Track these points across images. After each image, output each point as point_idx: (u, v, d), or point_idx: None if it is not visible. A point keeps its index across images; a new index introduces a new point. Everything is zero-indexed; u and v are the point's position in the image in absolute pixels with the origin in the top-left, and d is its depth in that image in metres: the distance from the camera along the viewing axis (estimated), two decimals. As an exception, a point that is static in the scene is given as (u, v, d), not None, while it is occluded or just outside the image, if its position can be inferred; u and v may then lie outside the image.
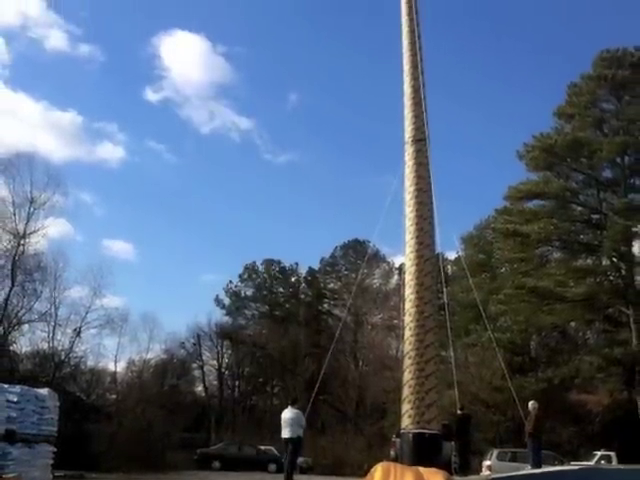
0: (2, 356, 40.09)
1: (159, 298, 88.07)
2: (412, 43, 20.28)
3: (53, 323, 42.91)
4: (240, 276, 71.62)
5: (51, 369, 41.64)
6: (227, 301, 70.68)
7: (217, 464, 40.28)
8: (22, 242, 42.00)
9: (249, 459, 40.46)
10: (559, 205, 42.47)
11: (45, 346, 43.24)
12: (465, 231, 49.78)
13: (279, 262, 72.54)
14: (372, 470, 8.97)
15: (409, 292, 17.92)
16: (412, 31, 20.37)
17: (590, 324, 45.26)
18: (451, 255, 52.43)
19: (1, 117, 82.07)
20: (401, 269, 47.53)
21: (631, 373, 38.13)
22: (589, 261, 42.87)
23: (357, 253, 67.48)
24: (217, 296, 69.99)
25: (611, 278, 41.77)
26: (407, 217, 18.57)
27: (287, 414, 17.23)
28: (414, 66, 19.99)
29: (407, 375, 17.00)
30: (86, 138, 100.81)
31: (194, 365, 64.36)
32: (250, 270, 71.83)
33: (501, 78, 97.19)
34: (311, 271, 72.64)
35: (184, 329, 63.66)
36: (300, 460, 27.76)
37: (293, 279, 74.10)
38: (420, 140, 19.16)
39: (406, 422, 16.66)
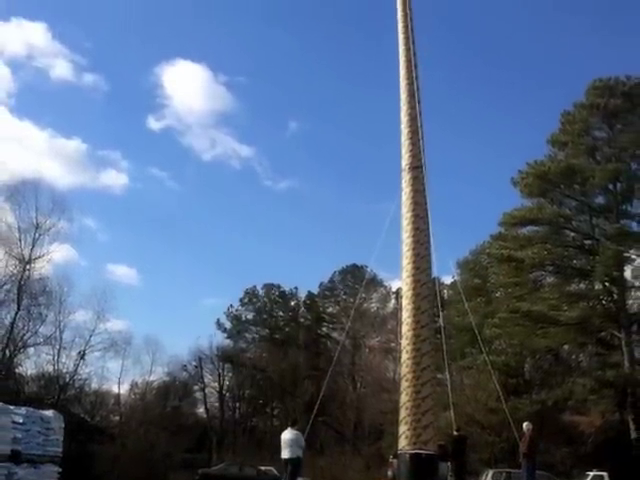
0: (8, 378, 40.75)
1: (161, 321, 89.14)
2: (409, 72, 21.32)
3: (58, 346, 43.84)
4: (241, 300, 72.52)
5: (56, 391, 42.35)
6: (228, 324, 71.43)
7: (218, 484, 40.66)
8: (27, 267, 42.90)
9: (250, 479, 40.84)
10: (552, 231, 42.79)
11: (50, 369, 44.08)
12: (461, 256, 50.01)
13: (279, 286, 73.38)
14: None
15: (406, 316, 18.76)
16: (409, 60, 21.41)
17: (583, 347, 45.44)
18: (447, 279, 52.95)
19: (7, 145, 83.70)
20: (398, 293, 48.32)
21: (623, 395, 38.36)
22: (582, 285, 43.13)
23: (355, 278, 68.13)
24: (218, 319, 70.79)
25: (603, 302, 42.06)
26: (404, 242, 19.47)
27: (287, 435, 17.44)
28: (411, 95, 21.00)
29: (404, 397, 17.80)
30: (90, 165, 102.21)
31: (196, 387, 64.91)
32: (250, 294, 72.53)
33: (496, 106, 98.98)
34: (310, 295, 73.28)
35: (186, 352, 64.85)
36: (299, 480, 28.19)
37: (293, 303, 74.73)
38: (417, 167, 20.11)
39: (403, 443, 17.45)
